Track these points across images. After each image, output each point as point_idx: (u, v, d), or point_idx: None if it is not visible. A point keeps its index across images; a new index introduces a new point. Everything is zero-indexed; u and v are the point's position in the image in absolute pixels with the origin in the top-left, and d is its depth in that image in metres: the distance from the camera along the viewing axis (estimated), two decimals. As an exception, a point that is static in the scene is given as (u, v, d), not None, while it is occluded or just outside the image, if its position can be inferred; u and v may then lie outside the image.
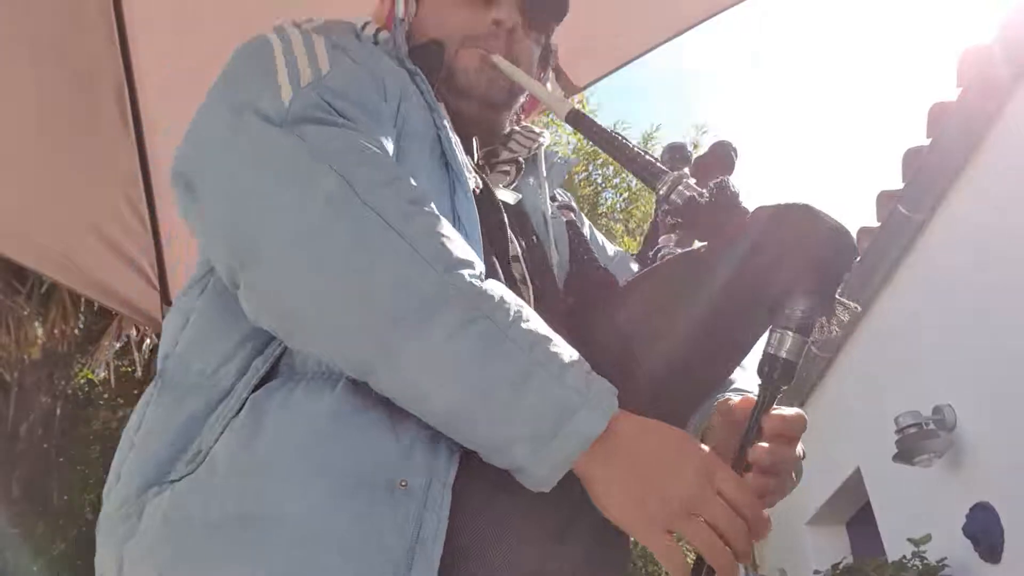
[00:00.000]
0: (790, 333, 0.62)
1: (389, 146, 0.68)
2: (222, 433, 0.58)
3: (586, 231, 0.94)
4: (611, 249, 0.98)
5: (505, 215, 0.79)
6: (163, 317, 1.60)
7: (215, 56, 1.43)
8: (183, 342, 0.68)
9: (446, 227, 0.61)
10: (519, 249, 0.78)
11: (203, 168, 0.65)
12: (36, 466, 6.55)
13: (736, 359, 0.73)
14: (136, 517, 0.58)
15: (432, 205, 0.62)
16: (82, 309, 5.86)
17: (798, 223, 0.63)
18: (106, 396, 6.95)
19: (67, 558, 6.62)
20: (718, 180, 0.67)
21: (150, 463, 0.60)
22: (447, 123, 0.77)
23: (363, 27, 0.86)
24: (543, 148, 0.92)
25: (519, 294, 0.67)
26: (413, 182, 0.63)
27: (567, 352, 0.58)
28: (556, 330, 0.61)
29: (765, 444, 0.62)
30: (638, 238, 4.81)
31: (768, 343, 0.63)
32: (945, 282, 3.27)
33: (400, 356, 0.56)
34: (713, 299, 0.66)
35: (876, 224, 3.59)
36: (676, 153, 0.81)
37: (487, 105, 0.87)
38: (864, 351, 3.99)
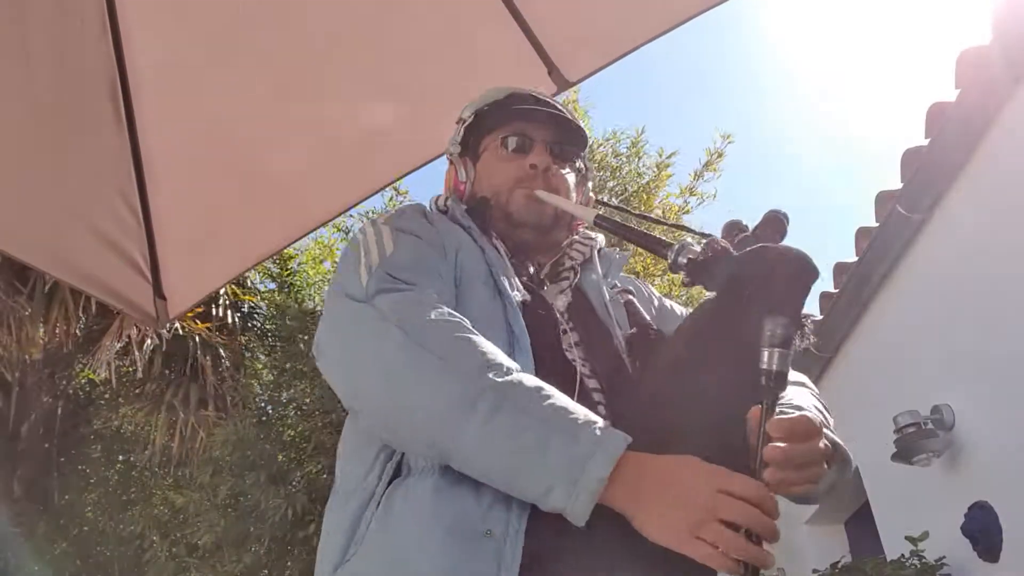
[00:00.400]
0: (776, 349, 0.76)
1: (445, 290, 0.94)
2: (371, 522, 0.84)
3: (655, 302, 1.18)
4: (679, 310, 1.21)
5: (560, 313, 1.03)
6: (156, 311, 1.61)
7: (207, 52, 1.44)
8: (344, 455, 0.97)
9: (480, 344, 0.83)
10: (577, 336, 1.01)
11: (324, 339, 0.94)
12: (37, 466, 6.55)
13: (751, 376, 0.85)
14: None
15: (471, 329, 0.86)
16: (83, 309, 5.87)
17: (765, 258, 0.79)
18: (107, 396, 6.96)
19: (68, 557, 6.62)
20: (709, 239, 0.83)
21: (336, 551, 0.86)
22: (502, 252, 1.05)
23: (436, 200, 1.18)
24: (596, 250, 1.15)
25: (571, 373, 0.93)
26: (454, 317, 0.87)
27: (581, 415, 0.78)
28: (620, 385, 0.93)
29: (779, 444, 0.76)
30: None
31: (760, 361, 0.77)
32: (944, 282, 3.28)
33: (459, 443, 0.79)
34: (719, 334, 0.84)
35: (875, 224, 3.60)
36: (734, 228, 0.99)
37: (539, 231, 1.12)
38: (862, 350, 4.00)
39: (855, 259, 3.76)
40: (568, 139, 1.17)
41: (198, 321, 5.99)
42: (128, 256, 1.52)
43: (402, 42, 1.45)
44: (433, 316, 0.86)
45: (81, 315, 5.97)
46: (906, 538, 3.16)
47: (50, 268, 1.51)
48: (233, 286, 6.27)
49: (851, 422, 4.10)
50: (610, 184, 5.06)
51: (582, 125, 1.20)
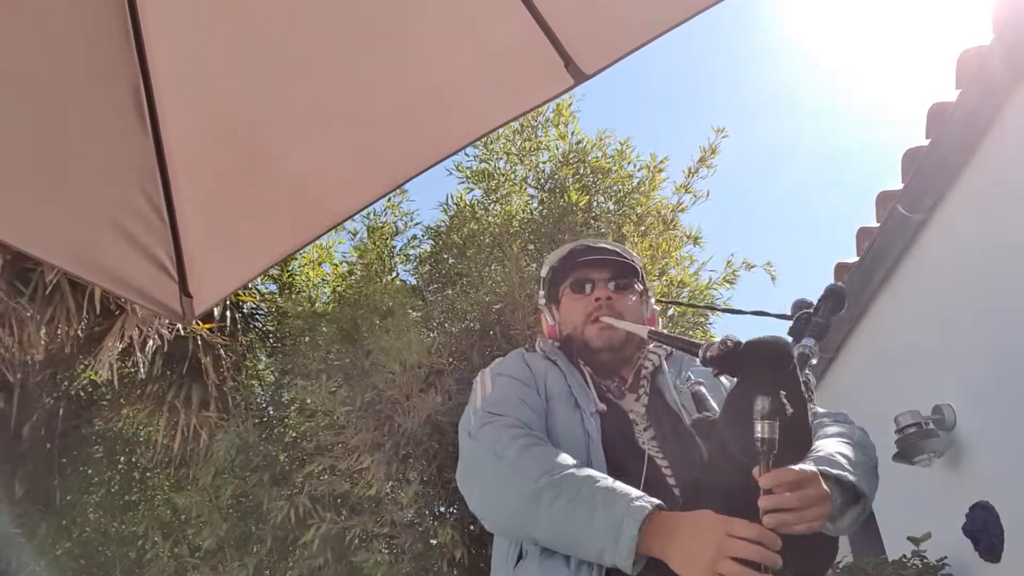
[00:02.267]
0: (765, 421, 0.97)
1: (528, 413, 1.26)
2: None
3: (723, 387, 1.37)
4: None
5: (636, 413, 1.32)
6: (182, 308, 1.62)
7: (230, 50, 1.45)
8: (493, 550, 1.29)
9: (543, 452, 1.15)
10: (653, 430, 1.28)
11: (458, 471, 1.27)
12: (39, 466, 6.56)
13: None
14: None
15: (538, 441, 1.18)
16: (84, 310, 5.88)
17: (749, 352, 1.01)
18: (109, 397, 6.96)
19: (70, 558, 6.63)
20: (725, 337, 1.03)
21: None
22: (586, 374, 1.36)
23: (536, 341, 1.50)
24: (664, 357, 1.42)
25: (640, 457, 1.20)
26: (529, 434, 1.19)
27: (620, 492, 1.05)
28: (684, 460, 1.21)
29: (770, 495, 0.99)
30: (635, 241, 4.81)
31: (755, 432, 0.97)
32: (944, 282, 3.28)
33: (535, 527, 1.10)
34: (736, 413, 1.04)
35: (876, 224, 3.60)
36: (800, 306, 1.24)
37: (612, 351, 1.40)
38: (863, 351, 4.00)
39: (856, 259, 3.76)
40: (622, 273, 1.46)
41: (199, 322, 5.99)
42: (154, 255, 1.53)
43: (418, 38, 1.44)
44: (511, 435, 1.18)
45: (83, 316, 5.98)
46: (908, 539, 3.17)
47: (77, 270, 1.51)
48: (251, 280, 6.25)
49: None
50: (606, 184, 5.04)
51: (633, 258, 1.51)
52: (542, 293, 1.55)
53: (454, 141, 1.54)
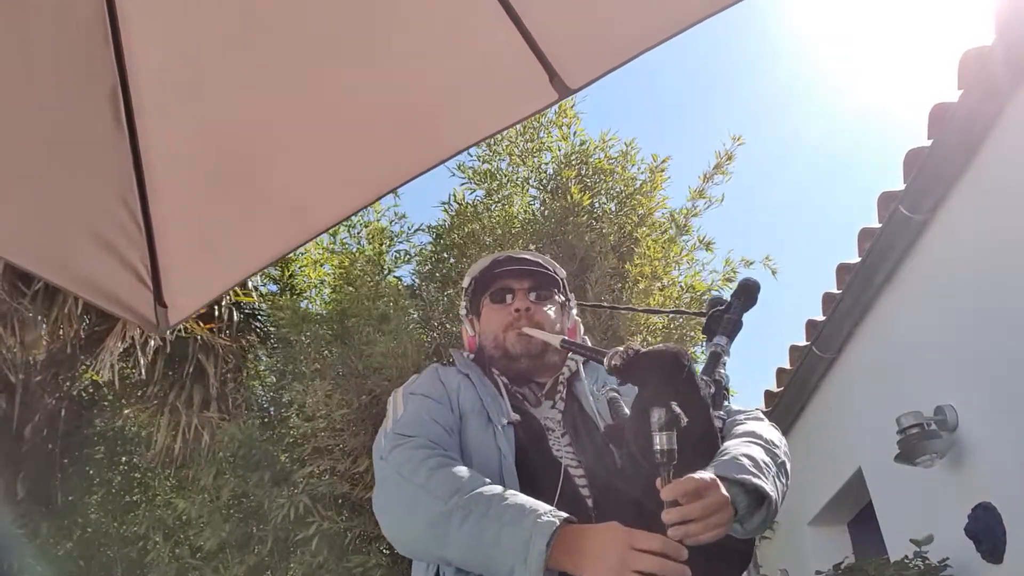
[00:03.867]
0: (663, 433, 0.97)
1: (439, 432, 1.25)
2: None
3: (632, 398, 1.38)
4: None
5: (550, 421, 1.33)
6: (156, 318, 1.60)
7: (210, 57, 1.44)
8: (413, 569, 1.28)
9: (451, 472, 1.13)
10: (568, 437, 1.30)
11: (373, 494, 1.25)
12: (40, 467, 6.57)
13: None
14: None
15: (449, 461, 1.17)
16: (86, 311, 5.88)
17: (643, 363, 1.02)
18: (110, 398, 6.97)
19: (71, 558, 6.63)
20: (626, 346, 1.05)
21: None
22: (500, 384, 1.37)
23: (450, 359, 1.51)
24: (582, 363, 1.44)
25: (556, 468, 1.21)
26: (439, 455, 1.18)
27: (529, 508, 1.05)
28: (597, 469, 1.21)
29: (673, 508, 0.98)
30: (641, 241, 4.80)
31: (653, 443, 0.98)
32: (946, 282, 3.28)
33: (446, 549, 1.10)
34: (636, 423, 1.03)
35: (877, 225, 3.59)
36: (714, 303, 1.21)
37: (531, 357, 1.41)
38: (865, 352, 4.00)
39: (858, 260, 3.76)
40: (543, 283, 1.48)
41: (200, 323, 5.99)
42: (129, 263, 1.51)
43: (402, 49, 1.43)
44: (420, 457, 1.17)
45: (84, 317, 5.99)
46: (911, 541, 3.16)
47: (50, 274, 1.49)
48: (235, 287, 6.26)
49: (854, 423, 4.09)
50: (608, 185, 5.03)
51: (555, 269, 1.52)
52: (464, 304, 1.56)
53: (436, 153, 1.52)
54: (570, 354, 1.43)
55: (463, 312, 1.56)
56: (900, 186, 3.38)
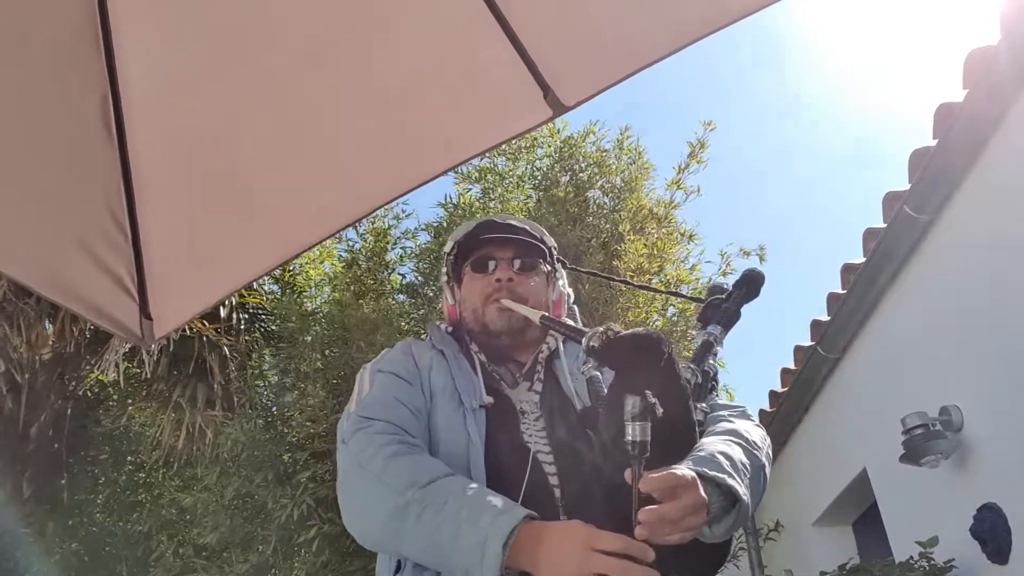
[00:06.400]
0: (636, 423, 0.91)
1: (404, 415, 1.17)
2: None
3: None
4: None
5: (525, 404, 1.25)
6: (141, 331, 1.55)
7: (200, 68, 1.42)
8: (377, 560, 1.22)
9: (410, 462, 1.07)
10: (543, 420, 1.22)
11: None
12: (46, 466, 6.60)
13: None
14: None
15: (410, 449, 1.10)
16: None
17: (618, 349, 0.95)
18: (115, 397, 6.99)
19: (77, 557, 6.66)
20: (606, 327, 0.97)
21: None
22: (476, 363, 1.28)
23: (429, 327, 1.41)
24: (562, 341, 1.35)
25: (524, 454, 1.14)
26: (399, 442, 1.10)
27: (488, 504, 0.99)
28: (568, 456, 1.15)
29: (652, 507, 0.91)
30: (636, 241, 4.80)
31: (625, 434, 0.91)
32: (951, 283, 3.27)
33: (401, 544, 1.05)
34: (614, 412, 0.96)
35: (882, 225, 3.58)
36: (714, 290, 1.16)
37: (512, 335, 1.33)
38: (870, 352, 3.98)
39: (862, 260, 3.75)
40: (527, 252, 1.37)
41: (205, 322, 6.01)
42: (115, 274, 1.48)
43: (396, 63, 1.41)
44: (379, 443, 1.10)
45: (89, 316, 6.00)
46: (916, 543, 3.15)
47: (34, 283, 1.46)
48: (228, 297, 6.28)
49: (859, 423, 4.08)
50: (598, 180, 5.05)
51: (541, 237, 1.41)
52: (445, 271, 1.45)
53: (428, 169, 1.49)
54: (551, 331, 1.34)
55: (444, 279, 1.46)
56: (905, 186, 3.37)
